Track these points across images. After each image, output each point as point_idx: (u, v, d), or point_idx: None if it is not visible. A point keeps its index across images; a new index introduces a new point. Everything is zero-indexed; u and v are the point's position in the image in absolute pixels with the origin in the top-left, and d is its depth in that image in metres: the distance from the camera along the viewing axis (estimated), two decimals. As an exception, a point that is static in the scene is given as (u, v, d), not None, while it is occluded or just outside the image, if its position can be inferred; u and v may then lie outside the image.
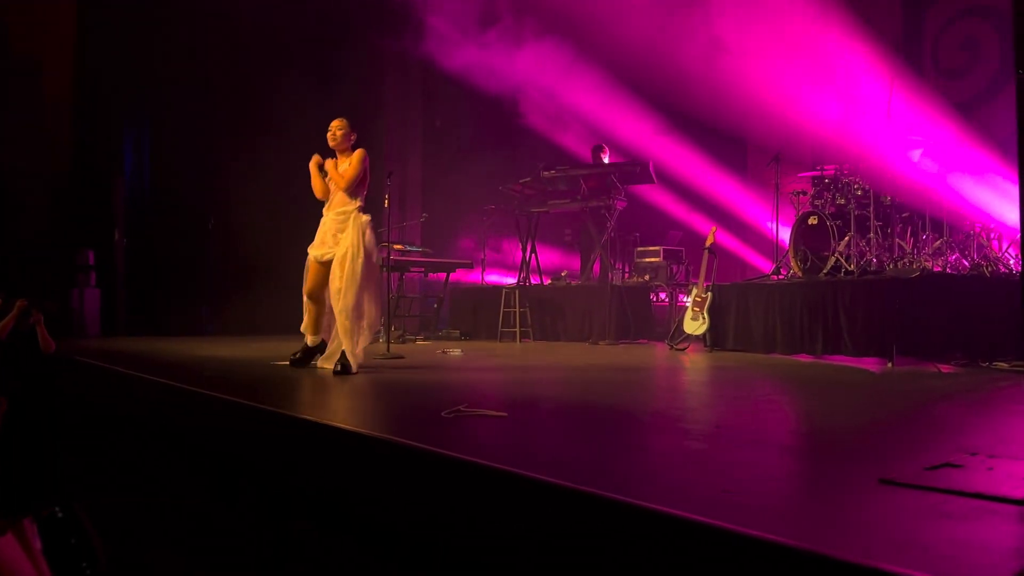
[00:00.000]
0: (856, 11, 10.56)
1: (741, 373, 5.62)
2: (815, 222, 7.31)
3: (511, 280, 9.88)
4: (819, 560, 1.60)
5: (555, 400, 4.27)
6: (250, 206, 9.88)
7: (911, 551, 1.70)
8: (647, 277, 9.14)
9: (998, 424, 3.37)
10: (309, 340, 5.62)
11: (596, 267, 9.34)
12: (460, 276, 9.94)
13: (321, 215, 5.57)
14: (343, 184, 5.40)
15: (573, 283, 9.47)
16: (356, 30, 10.40)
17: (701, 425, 3.60)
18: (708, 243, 7.63)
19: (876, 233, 6.99)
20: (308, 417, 3.35)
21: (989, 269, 6.59)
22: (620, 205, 9.21)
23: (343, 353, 5.25)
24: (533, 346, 8.38)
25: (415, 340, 8.78)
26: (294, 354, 5.65)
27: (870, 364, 5.98)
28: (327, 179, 5.50)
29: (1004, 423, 3.32)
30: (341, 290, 5.18)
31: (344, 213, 5.40)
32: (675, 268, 9.19)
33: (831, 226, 7.10)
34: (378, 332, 5.92)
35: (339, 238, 5.33)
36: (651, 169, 9.29)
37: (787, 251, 7.62)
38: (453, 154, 10.73)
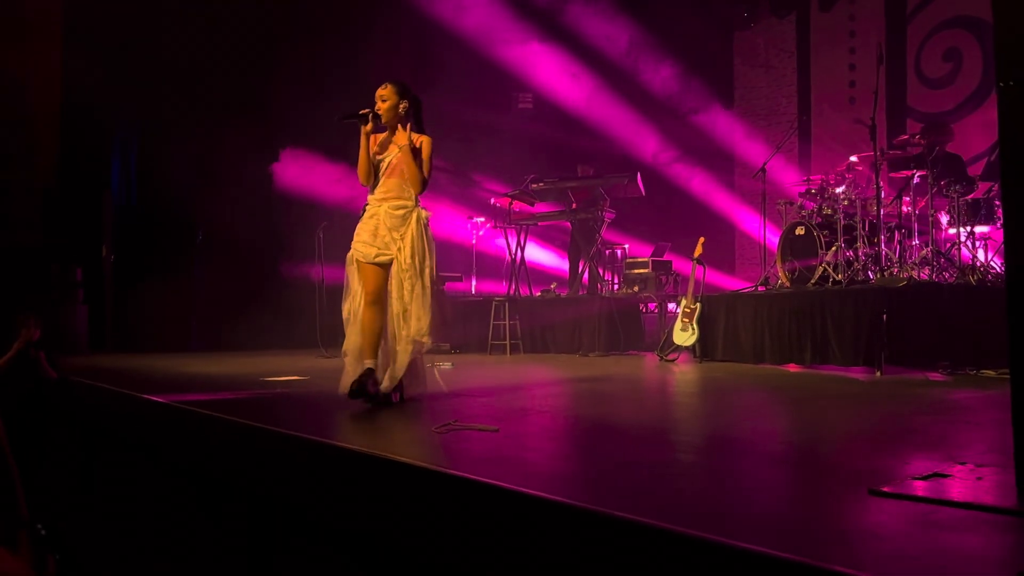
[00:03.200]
0: (840, 22, 10.69)
1: (731, 384, 5.63)
2: (802, 232, 7.35)
3: (500, 289, 9.90)
4: (810, 571, 1.61)
5: (547, 413, 4.26)
6: (239, 221, 9.86)
7: (901, 561, 1.71)
8: (636, 288, 9.16)
9: (987, 433, 3.39)
10: (370, 362, 4.33)
11: (585, 278, 9.36)
12: (449, 287, 9.94)
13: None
14: (418, 186, 4.36)
15: (562, 295, 9.48)
16: (350, 39, 10.39)
17: (692, 437, 3.61)
18: (696, 254, 7.65)
19: (863, 243, 7.04)
20: (296, 433, 3.33)
21: (975, 278, 6.63)
22: (609, 216, 9.24)
23: (364, 372, 4.28)
24: (523, 358, 8.37)
25: (405, 353, 8.74)
26: (355, 384, 4.26)
27: (858, 373, 6.00)
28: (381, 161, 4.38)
29: (992, 432, 3.34)
30: (410, 312, 4.28)
31: (403, 207, 4.33)
32: (664, 279, 9.21)
33: (818, 236, 7.15)
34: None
35: (396, 237, 4.30)
36: (639, 181, 9.33)
37: (775, 261, 7.66)
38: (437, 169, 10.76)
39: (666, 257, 9.64)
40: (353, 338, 4.40)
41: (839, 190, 7.25)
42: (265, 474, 3.49)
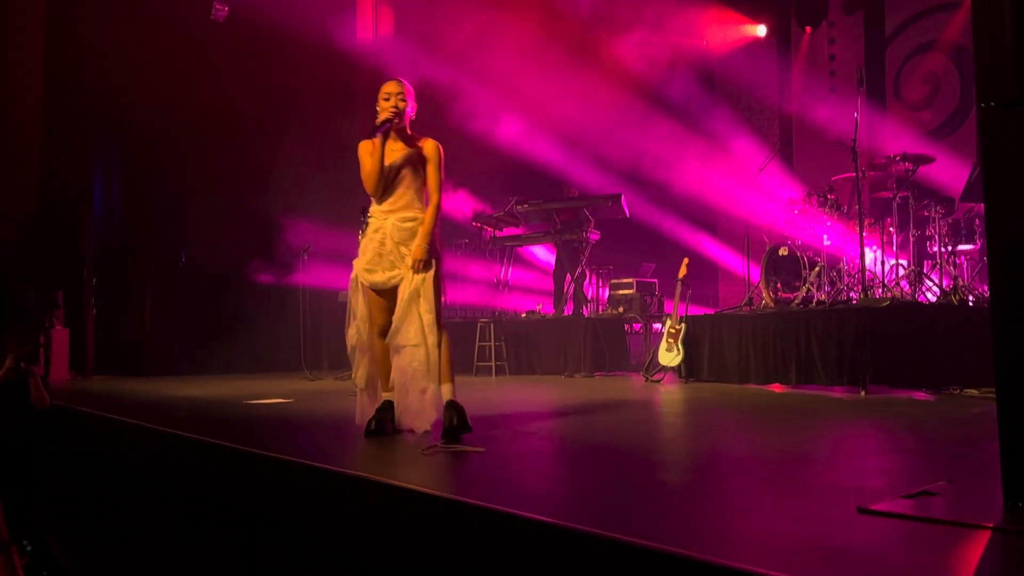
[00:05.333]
0: (819, 43, 10.83)
1: (716, 404, 5.64)
2: (785, 253, 7.40)
3: (486, 302, 9.92)
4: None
5: (533, 435, 4.25)
6: (222, 244, 9.83)
7: (892, 580, 1.71)
8: (621, 309, 9.18)
9: (972, 451, 3.41)
10: (387, 394, 4.01)
11: (570, 300, 9.38)
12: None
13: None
14: (437, 194, 3.96)
15: (548, 316, 9.49)
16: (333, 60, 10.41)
17: (678, 457, 3.61)
18: (681, 274, 7.68)
19: (846, 262, 7.09)
20: (280, 456, 3.30)
21: (957, 297, 6.69)
22: (594, 238, 9.28)
23: (451, 405, 3.77)
24: (509, 379, 8.35)
25: (390, 375, 8.72)
26: (372, 422, 3.93)
27: (843, 393, 6.02)
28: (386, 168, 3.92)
29: (978, 450, 3.35)
30: (424, 326, 3.83)
31: (413, 220, 3.91)
32: (649, 300, 9.24)
33: (801, 256, 7.20)
34: None
35: (403, 253, 3.88)
36: (623, 202, 9.38)
37: (759, 282, 7.70)
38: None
39: (651, 278, 9.67)
40: (364, 369, 4.04)
41: (822, 211, 7.31)
42: (253, 497, 3.46)
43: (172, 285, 9.93)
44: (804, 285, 7.07)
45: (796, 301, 7.07)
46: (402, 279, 3.86)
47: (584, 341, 8.49)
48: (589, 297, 9.42)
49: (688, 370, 7.34)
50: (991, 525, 2.05)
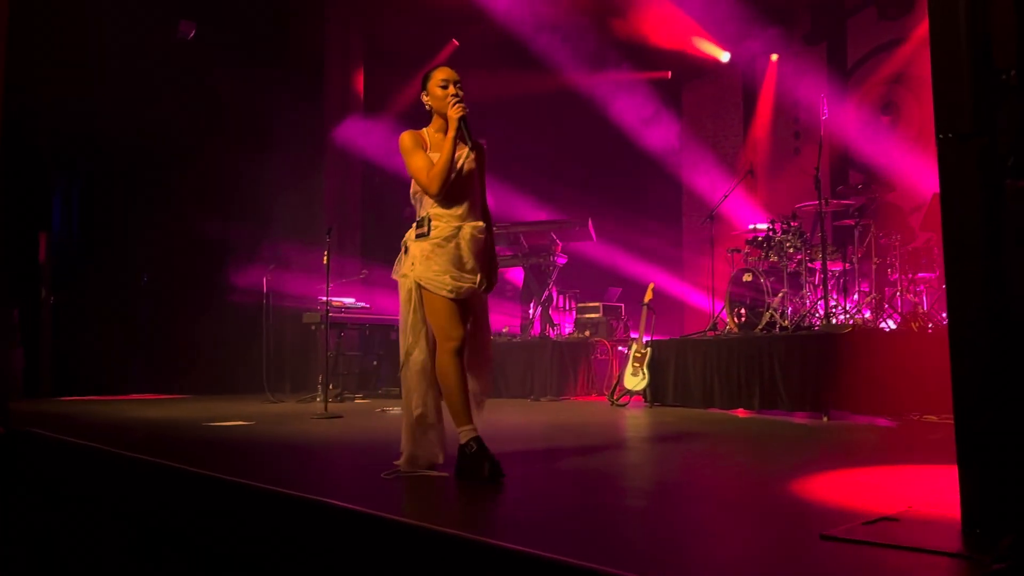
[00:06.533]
0: (784, 72, 11.02)
1: (681, 429, 5.65)
2: (749, 278, 7.48)
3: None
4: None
5: (496, 458, 4.21)
6: (184, 263, 9.70)
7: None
8: (587, 333, 9.19)
9: (932, 478, 3.44)
10: (469, 427, 3.43)
11: (537, 323, 9.37)
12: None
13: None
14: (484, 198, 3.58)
15: (514, 339, 9.47)
16: (298, 91, 10.41)
17: (642, 482, 3.60)
18: (646, 299, 7.72)
19: (809, 289, 7.18)
20: (238, 479, 3.24)
21: (917, 324, 6.79)
22: (560, 261, 9.31)
23: (477, 442, 3.36)
24: (474, 403, 8.29)
25: (354, 399, 8.64)
26: (463, 463, 3.36)
27: (805, 418, 6.07)
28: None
29: (937, 476, 3.38)
30: (487, 342, 3.60)
31: (484, 231, 3.52)
32: (615, 324, 9.27)
33: (765, 283, 7.28)
34: None
35: (476, 268, 3.46)
36: (590, 227, 9.43)
37: (723, 307, 7.77)
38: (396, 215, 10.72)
39: (617, 302, 9.71)
40: (421, 398, 3.48)
41: (785, 238, 7.40)
42: (209, 522, 3.38)
43: (132, 305, 9.76)
44: (767, 311, 7.14)
45: (760, 327, 7.14)
46: (471, 295, 3.47)
47: (550, 365, 8.48)
48: (556, 321, 9.43)
49: (653, 394, 7.36)
50: (950, 552, 2.06)
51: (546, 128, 10.75)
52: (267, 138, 9.99)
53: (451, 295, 3.36)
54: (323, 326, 7.60)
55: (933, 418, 5.61)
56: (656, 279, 8.31)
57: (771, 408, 6.43)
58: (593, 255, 10.46)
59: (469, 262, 3.42)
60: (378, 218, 11.03)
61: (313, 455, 4.43)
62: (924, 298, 7.24)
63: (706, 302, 8.87)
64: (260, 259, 9.30)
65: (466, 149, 3.44)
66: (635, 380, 7.39)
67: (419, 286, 3.40)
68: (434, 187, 3.37)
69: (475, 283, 3.43)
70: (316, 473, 3.85)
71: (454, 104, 3.38)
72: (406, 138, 3.47)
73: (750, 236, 7.96)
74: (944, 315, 6.86)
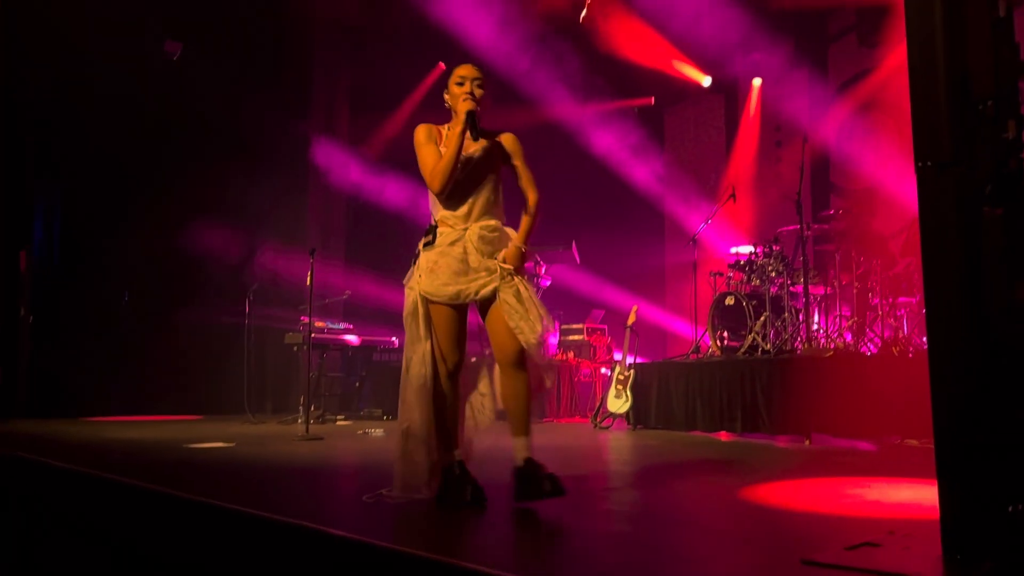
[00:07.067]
0: (766, 96, 11.13)
1: (664, 452, 5.65)
2: (732, 302, 7.51)
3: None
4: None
5: (479, 481, 4.19)
6: (166, 283, 9.64)
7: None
8: (571, 354, 9.19)
9: (913, 502, 3.45)
10: (459, 453, 3.40)
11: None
12: (385, 352, 9.84)
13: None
14: (536, 192, 3.45)
15: (497, 361, 9.46)
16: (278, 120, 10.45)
17: (625, 506, 3.59)
18: (630, 322, 7.74)
19: (791, 313, 7.21)
20: (217, 503, 3.20)
21: (898, 349, 6.84)
22: (544, 283, 9.32)
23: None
24: (456, 425, 8.26)
25: (335, 420, 8.59)
26: (446, 487, 3.33)
27: (788, 442, 6.09)
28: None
29: (918, 501, 3.40)
30: (530, 324, 3.24)
31: (497, 230, 3.35)
32: (598, 345, 9.29)
33: (747, 306, 7.31)
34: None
35: (492, 267, 3.28)
36: (574, 249, 9.46)
37: (705, 330, 7.80)
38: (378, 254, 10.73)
39: (600, 324, 9.73)
40: (418, 414, 3.33)
41: (767, 262, 7.45)
42: (188, 545, 3.34)
43: (113, 324, 9.67)
44: (749, 334, 7.17)
45: (742, 350, 7.16)
46: (496, 289, 3.26)
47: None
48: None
49: (636, 417, 7.36)
50: (931, 577, 2.07)
51: (532, 156, 10.81)
52: (252, 159, 9.98)
53: (452, 301, 3.26)
54: (305, 347, 7.56)
55: (914, 442, 5.64)
56: (638, 304, 8.34)
57: (753, 431, 6.44)
58: (576, 278, 10.50)
59: (476, 261, 3.26)
60: (361, 243, 11.03)
61: (293, 477, 4.39)
62: (905, 323, 7.29)
63: (688, 327, 8.90)
64: (242, 279, 9.26)
65: (476, 146, 3.32)
66: (618, 402, 7.39)
67: (424, 299, 3.30)
68: (436, 184, 3.27)
69: (485, 281, 3.25)
70: (295, 496, 3.82)
71: (464, 99, 3.30)
72: (420, 131, 3.37)
73: (732, 260, 8.01)
74: (924, 339, 6.91)
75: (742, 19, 9.54)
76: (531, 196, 3.43)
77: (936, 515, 2.22)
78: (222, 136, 9.89)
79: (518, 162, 3.44)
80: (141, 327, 9.68)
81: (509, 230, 3.39)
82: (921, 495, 3.46)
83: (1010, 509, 2.06)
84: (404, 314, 3.37)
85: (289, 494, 3.86)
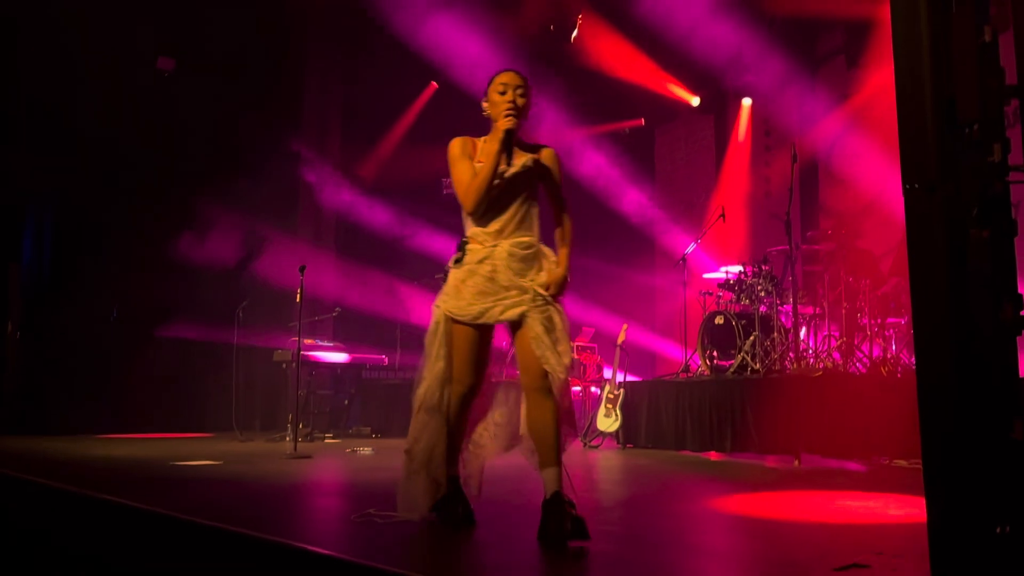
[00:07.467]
0: (757, 120, 11.21)
1: (653, 471, 5.63)
2: (721, 321, 7.52)
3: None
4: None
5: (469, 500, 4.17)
6: (155, 299, 9.60)
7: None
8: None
9: (903, 523, 3.45)
10: (453, 469, 3.36)
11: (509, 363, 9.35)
12: (374, 370, 9.80)
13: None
14: (568, 216, 3.35)
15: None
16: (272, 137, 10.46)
17: (614, 526, 3.57)
18: (619, 340, 7.74)
19: (780, 333, 7.23)
20: (202, 521, 3.18)
21: (886, 369, 6.86)
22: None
23: (560, 497, 2.99)
24: (446, 444, 8.23)
25: (324, 438, 8.54)
26: (438, 507, 3.27)
27: (777, 462, 6.08)
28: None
29: (908, 522, 3.40)
30: (557, 358, 3.12)
31: (531, 247, 3.19)
32: (587, 364, 9.28)
33: (736, 326, 7.32)
34: None
35: (524, 287, 3.13)
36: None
37: (695, 350, 7.80)
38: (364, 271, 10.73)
39: (590, 343, 9.72)
40: (423, 437, 3.30)
41: (756, 281, 7.47)
42: (172, 564, 3.31)
43: (102, 340, 9.61)
44: (739, 354, 7.18)
45: (731, 369, 7.17)
46: (524, 313, 3.10)
47: (523, 405, 8.43)
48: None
49: (626, 436, 7.35)
50: (920, 599, 2.06)
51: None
52: (243, 177, 9.98)
53: (474, 321, 3.11)
54: (294, 364, 7.53)
55: (903, 463, 5.64)
56: (627, 323, 8.34)
57: (743, 451, 6.43)
58: (565, 297, 10.48)
59: (506, 279, 3.09)
60: (351, 261, 11.02)
61: (280, 496, 4.36)
62: (893, 343, 7.32)
63: (677, 349, 8.91)
64: (232, 295, 9.23)
65: (513, 159, 3.17)
66: (608, 421, 7.38)
67: (447, 318, 3.19)
68: (469, 203, 3.12)
69: (513, 303, 3.09)
70: (282, 514, 3.79)
71: (506, 114, 3.12)
72: (455, 146, 3.22)
73: (722, 279, 8.03)
74: (913, 360, 6.93)
75: (732, 38, 9.62)
76: (566, 221, 3.34)
77: (925, 536, 2.22)
78: (213, 154, 9.90)
79: (552, 180, 3.30)
80: (129, 344, 9.64)
81: (548, 251, 3.25)
82: (910, 516, 3.46)
83: (997, 530, 2.06)
84: (427, 332, 3.27)
85: (276, 513, 3.83)
